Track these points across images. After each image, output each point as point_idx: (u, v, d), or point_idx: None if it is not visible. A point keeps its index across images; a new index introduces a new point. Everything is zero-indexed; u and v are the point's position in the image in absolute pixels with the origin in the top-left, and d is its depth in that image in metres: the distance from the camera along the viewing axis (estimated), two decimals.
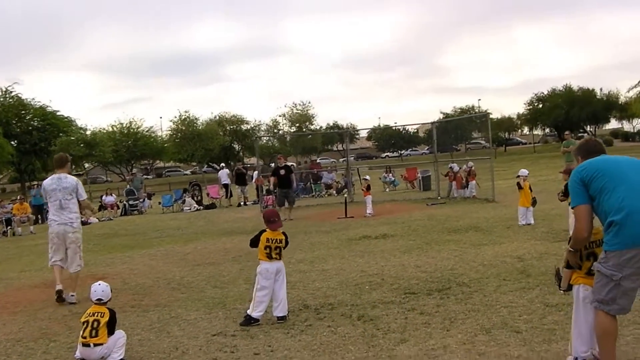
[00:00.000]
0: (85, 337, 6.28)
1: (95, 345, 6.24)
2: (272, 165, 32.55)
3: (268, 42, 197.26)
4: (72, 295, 9.75)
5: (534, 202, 14.55)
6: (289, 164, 22.95)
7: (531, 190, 14.72)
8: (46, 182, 10.20)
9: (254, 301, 7.57)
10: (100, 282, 6.76)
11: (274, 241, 7.60)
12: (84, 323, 6.40)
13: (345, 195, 24.75)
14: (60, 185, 9.96)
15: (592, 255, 5.08)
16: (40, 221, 27.04)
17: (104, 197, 31.00)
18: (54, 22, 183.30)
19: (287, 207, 20.71)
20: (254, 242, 7.77)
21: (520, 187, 14.74)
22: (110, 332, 6.37)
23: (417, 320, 7.16)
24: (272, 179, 21.60)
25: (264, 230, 7.75)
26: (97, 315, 6.39)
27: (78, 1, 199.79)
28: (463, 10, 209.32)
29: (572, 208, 4.97)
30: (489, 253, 11.00)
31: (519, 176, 14.92)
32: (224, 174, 32.37)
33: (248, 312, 7.58)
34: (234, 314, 8.00)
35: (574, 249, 5.09)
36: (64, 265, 10.07)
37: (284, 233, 7.84)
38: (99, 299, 6.55)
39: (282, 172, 20.90)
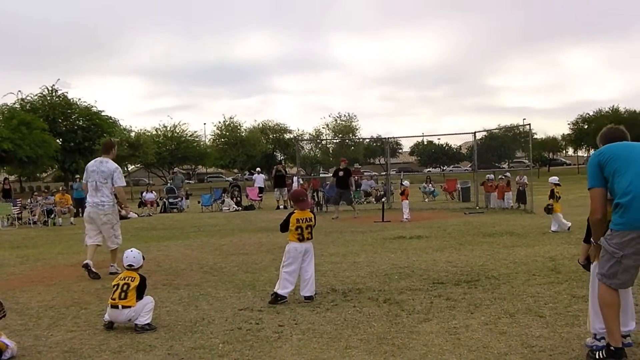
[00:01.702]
0: (114, 299, 6.45)
1: (123, 307, 6.40)
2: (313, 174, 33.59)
3: (312, 55, 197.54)
4: (112, 266, 10.36)
5: (545, 208, 14.68)
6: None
7: (557, 199, 14.61)
8: (89, 164, 10.64)
9: (280, 279, 7.67)
10: (132, 249, 6.94)
11: (304, 220, 7.67)
12: (114, 286, 6.58)
13: (384, 200, 24.79)
14: (99, 168, 10.35)
15: None
16: (80, 214, 27.39)
17: (144, 194, 31.44)
18: (102, 27, 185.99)
19: (338, 207, 22.44)
20: (284, 226, 7.82)
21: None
22: (139, 296, 6.53)
23: (442, 305, 7.20)
24: (332, 179, 24.27)
25: (293, 212, 7.84)
26: (127, 279, 6.56)
27: (127, 8, 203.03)
28: (510, 31, 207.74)
29: (588, 189, 5.10)
30: (521, 253, 10.97)
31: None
32: (260, 179, 32.65)
33: (275, 289, 7.67)
34: (263, 294, 8.10)
35: (595, 240, 5.19)
36: (99, 244, 10.49)
37: (312, 211, 7.92)
38: (130, 265, 6.72)
39: (341, 173, 22.58)
